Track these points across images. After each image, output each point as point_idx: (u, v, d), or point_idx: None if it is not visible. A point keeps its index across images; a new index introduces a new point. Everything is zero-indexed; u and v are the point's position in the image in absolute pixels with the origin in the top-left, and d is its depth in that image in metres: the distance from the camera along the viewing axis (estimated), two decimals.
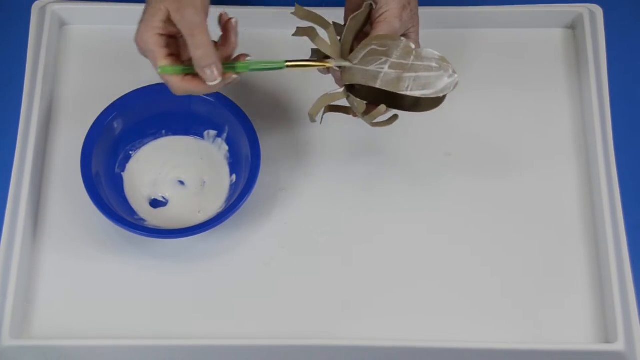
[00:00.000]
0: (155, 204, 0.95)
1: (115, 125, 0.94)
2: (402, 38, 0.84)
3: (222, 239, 0.93)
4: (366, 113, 0.85)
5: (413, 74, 0.84)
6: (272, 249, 0.93)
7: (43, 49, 0.99)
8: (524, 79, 1.01)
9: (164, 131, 0.97)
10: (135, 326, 0.90)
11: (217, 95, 0.93)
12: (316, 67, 0.86)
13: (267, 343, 0.88)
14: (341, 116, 0.91)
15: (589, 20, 1.01)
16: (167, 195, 0.95)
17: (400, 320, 0.90)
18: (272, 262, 0.93)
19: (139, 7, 1.01)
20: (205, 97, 0.93)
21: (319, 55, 0.87)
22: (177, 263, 0.92)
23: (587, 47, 1.00)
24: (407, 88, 0.84)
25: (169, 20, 0.81)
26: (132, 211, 0.93)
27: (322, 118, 0.89)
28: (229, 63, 0.83)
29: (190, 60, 0.81)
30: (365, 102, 0.85)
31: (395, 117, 0.87)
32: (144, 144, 0.96)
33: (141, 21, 0.82)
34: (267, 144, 0.95)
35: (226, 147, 0.96)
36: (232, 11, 0.84)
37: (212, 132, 0.96)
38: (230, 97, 0.94)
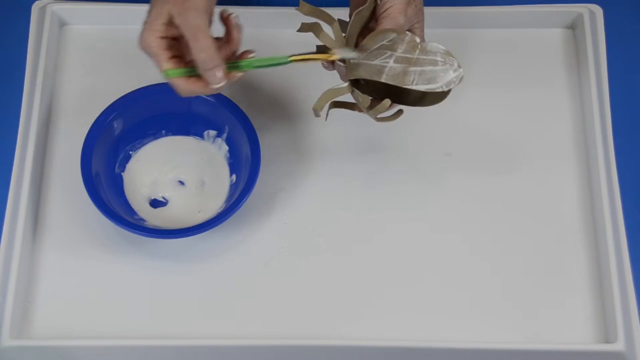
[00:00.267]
0: (155, 204, 0.95)
1: (115, 125, 0.94)
2: (407, 32, 0.84)
3: (222, 239, 0.93)
4: (371, 108, 0.85)
5: (418, 68, 0.84)
6: (272, 249, 0.93)
7: (43, 49, 0.99)
8: (524, 79, 1.01)
9: (164, 131, 0.97)
10: (135, 326, 0.90)
11: (217, 95, 0.93)
12: (320, 61, 0.85)
13: (267, 343, 0.88)
14: (342, 116, 0.91)
15: (589, 20, 1.01)
16: (167, 195, 0.95)
17: (400, 320, 0.90)
18: (272, 262, 0.93)
19: (139, 7, 1.02)
20: (205, 97, 0.93)
21: (323, 52, 0.87)
22: (177, 263, 0.92)
23: (587, 47, 1.00)
24: (413, 82, 0.84)
25: (171, 23, 0.81)
26: (132, 211, 0.93)
27: (327, 114, 0.89)
28: (232, 62, 0.83)
29: (193, 60, 0.81)
30: (369, 97, 0.85)
31: (400, 112, 0.87)
32: (144, 144, 0.96)
33: (144, 23, 0.82)
34: (267, 144, 0.95)
35: (226, 147, 0.96)
36: (236, 11, 0.84)
37: (212, 132, 0.96)
38: (230, 97, 0.94)
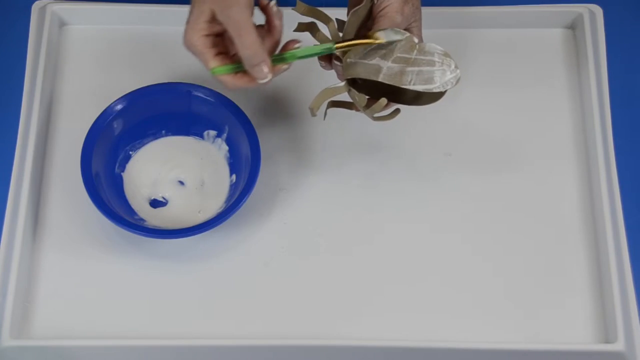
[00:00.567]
0: (155, 204, 0.95)
1: (115, 125, 0.94)
2: (406, 32, 0.84)
3: (222, 239, 0.93)
4: (367, 107, 0.85)
5: (416, 68, 0.84)
6: (272, 249, 0.93)
7: (43, 49, 0.99)
8: (524, 79, 1.01)
9: (164, 131, 0.97)
10: (135, 326, 0.90)
11: (217, 96, 0.93)
12: (362, 44, 0.84)
13: (267, 343, 0.88)
14: (341, 117, 0.91)
15: (589, 20, 1.01)
16: (167, 195, 0.95)
17: (400, 320, 0.90)
18: (272, 262, 0.93)
19: (139, 7, 1.02)
20: (205, 97, 0.93)
21: None
22: (177, 263, 0.92)
23: (587, 47, 1.00)
24: (410, 82, 0.84)
25: (213, 20, 0.81)
26: (132, 211, 0.93)
27: (325, 114, 0.89)
28: (277, 55, 0.83)
29: (239, 56, 0.81)
30: (366, 96, 0.85)
31: (397, 111, 0.87)
32: (144, 144, 0.96)
33: (187, 22, 0.82)
34: (267, 144, 0.95)
35: (226, 147, 0.96)
36: None
37: (212, 132, 0.96)
38: (230, 97, 0.93)
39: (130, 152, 0.96)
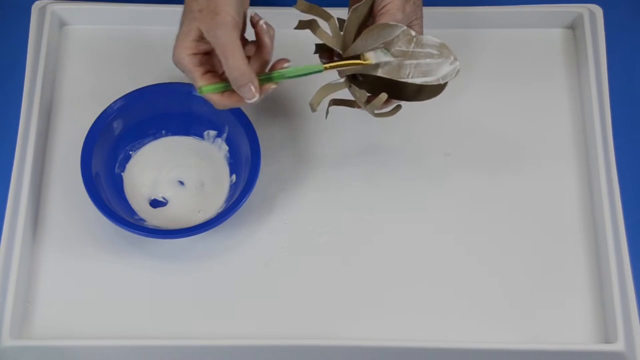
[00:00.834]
0: (155, 204, 0.95)
1: (115, 125, 0.94)
2: (403, 25, 0.84)
3: (222, 239, 0.93)
4: (368, 103, 0.85)
5: (414, 61, 0.84)
6: (272, 249, 0.93)
7: (43, 49, 0.99)
8: (524, 79, 1.01)
9: (164, 131, 0.97)
10: (135, 326, 0.90)
11: None
12: (354, 67, 0.84)
13: (267, 343, 0.88)
14: (342, 116, 0.91)
15: (589, 20, 1.01)
16: (167, 196, 0.95)
17: (400, 320, 0.90)
18: (272, 262, 0.93)
19: (139, 7, 1.02)
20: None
21: (322, 50, 0.87)
22: (177, 263, 0.92)
23: (587, 47, 1.00)
24: (408, 75, 0.84)
25: (201, 39, 0.81)
26: (132, 211, 0.93)
27: (327, 112, 0.89)
28: (265, 74, 0.83)
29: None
30: (367, 92, 0.85)
31: (398, 107, 0.87)
32: (144, 144, 0.96)
33: (176, 39, 0.82)
34: (267, 144, 0.95)
35: (226, 147, 0.96)
36: None
37: (212, 132, 0.96)
38: None
39: (130, 152, 0.96)
